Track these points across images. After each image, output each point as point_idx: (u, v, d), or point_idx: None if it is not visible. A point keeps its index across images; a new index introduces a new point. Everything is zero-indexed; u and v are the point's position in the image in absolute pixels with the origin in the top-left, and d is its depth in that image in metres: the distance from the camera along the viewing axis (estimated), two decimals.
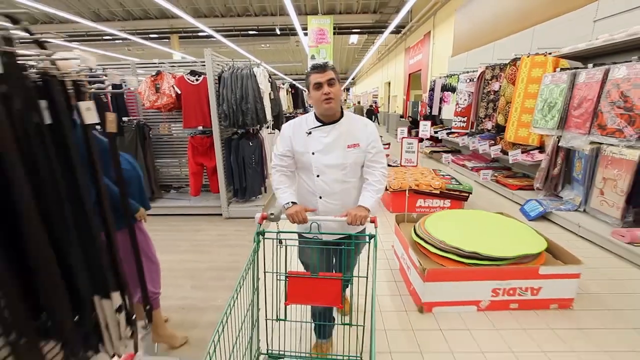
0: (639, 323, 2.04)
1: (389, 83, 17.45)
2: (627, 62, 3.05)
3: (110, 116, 1.13)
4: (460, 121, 6.68)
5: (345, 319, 1.99)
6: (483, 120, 5.70)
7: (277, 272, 1.37)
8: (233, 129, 3.90)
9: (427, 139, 8.71)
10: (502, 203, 4.48)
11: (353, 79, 30.84)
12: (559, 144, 3.84)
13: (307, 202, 1.58)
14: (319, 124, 1.50)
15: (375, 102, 19.15)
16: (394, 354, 1.82)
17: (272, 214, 1.36)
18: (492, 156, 5.44)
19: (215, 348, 0.96)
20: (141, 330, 1.58)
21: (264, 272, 1.40)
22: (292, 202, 1.47)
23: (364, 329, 1.45)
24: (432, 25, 10.28)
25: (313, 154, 1.49)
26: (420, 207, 4.01)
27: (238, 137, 3.88)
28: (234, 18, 13.26)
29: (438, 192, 3.81)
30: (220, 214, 4.07)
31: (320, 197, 1.54)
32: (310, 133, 1.50)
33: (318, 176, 1.51)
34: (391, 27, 11.40)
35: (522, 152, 4.64)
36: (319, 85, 1.40)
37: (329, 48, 9.62)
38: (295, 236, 1.62)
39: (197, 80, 3.68)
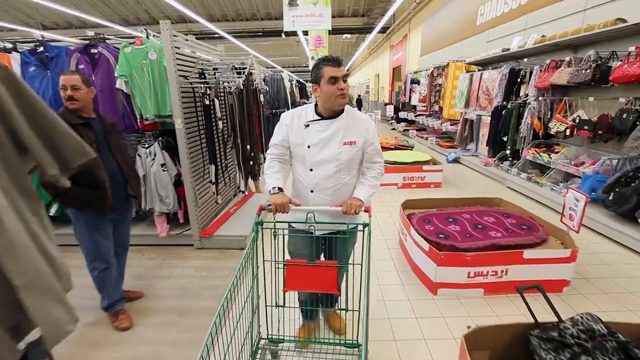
0: (472, 191, 4.64)
1: (378, 75, 19.82)
2: (487, 70, 5.61)
3: (262, 97, 3.66)
4: (422, 106, 9.21)
5: (342, 312, 1.95)
6: (433, 104, 8.26)
7: (275, 261, 1.40)
8: (268, 110, 6.41)
9: (396, 118, 11.30)
10: (436, 156, 7.06)
11: (347, 70, 33.05)
12: (466, 117, 6.41)
13: (300, 194, 1.57)
14: (318, 117, 1.48)
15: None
16: None
17: (269, 205, 1.40)
18: (436, 129, 8.03)
19: (217, 330, 1.02)
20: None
21: (263, 261, 1.44)
22: (278, 188, 1.45)
23: (359, 314, 1.47)
24: (409, 29, 12.70)
25: (309, 147, 1.47)
26: None
27: (272, 116, 6.40)
28: (243, 22, 15.61)
29: (393, 147, 6.36)
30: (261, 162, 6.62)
31: (312, 191, 1.51)
32: (308, 126, 1.48)
33: (312, 170, 1.49)
34: (377, 29, 13.83)
35: (451, 125, 7.22)
36: (335, 80, 1.37)
37: (325, 51, 12.01)
38: (291, 226, 1.59)
39: None
